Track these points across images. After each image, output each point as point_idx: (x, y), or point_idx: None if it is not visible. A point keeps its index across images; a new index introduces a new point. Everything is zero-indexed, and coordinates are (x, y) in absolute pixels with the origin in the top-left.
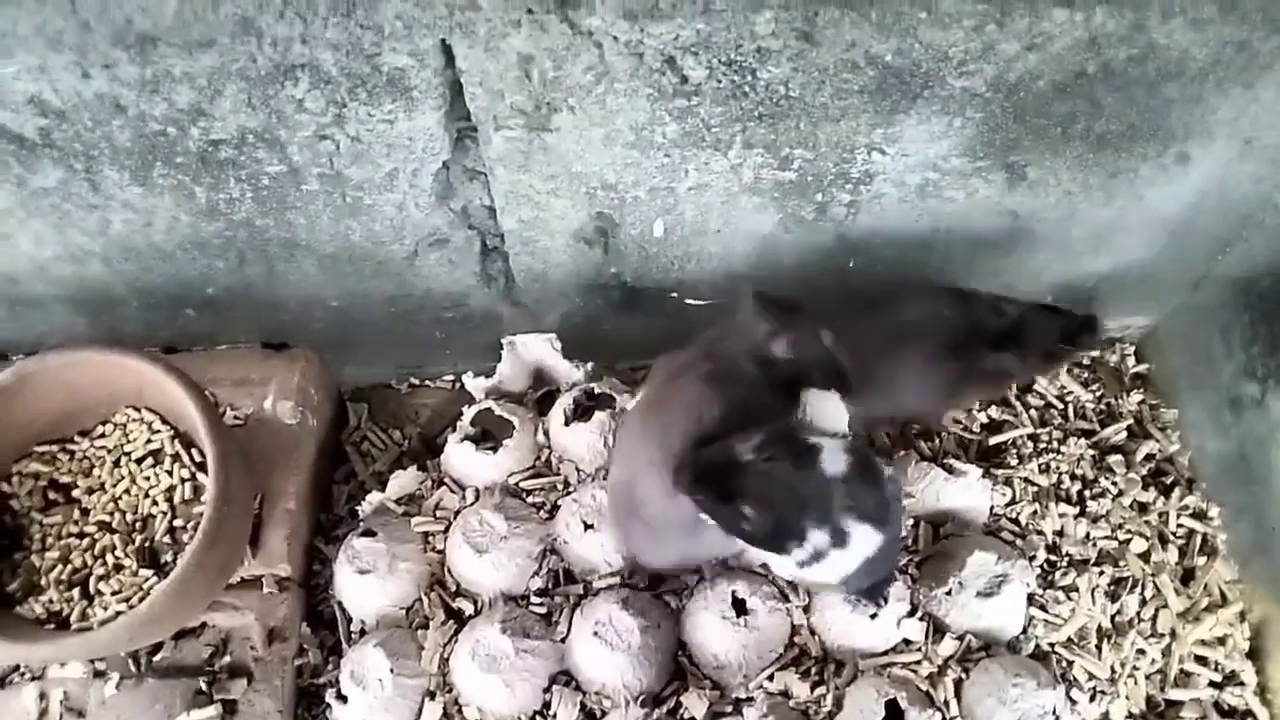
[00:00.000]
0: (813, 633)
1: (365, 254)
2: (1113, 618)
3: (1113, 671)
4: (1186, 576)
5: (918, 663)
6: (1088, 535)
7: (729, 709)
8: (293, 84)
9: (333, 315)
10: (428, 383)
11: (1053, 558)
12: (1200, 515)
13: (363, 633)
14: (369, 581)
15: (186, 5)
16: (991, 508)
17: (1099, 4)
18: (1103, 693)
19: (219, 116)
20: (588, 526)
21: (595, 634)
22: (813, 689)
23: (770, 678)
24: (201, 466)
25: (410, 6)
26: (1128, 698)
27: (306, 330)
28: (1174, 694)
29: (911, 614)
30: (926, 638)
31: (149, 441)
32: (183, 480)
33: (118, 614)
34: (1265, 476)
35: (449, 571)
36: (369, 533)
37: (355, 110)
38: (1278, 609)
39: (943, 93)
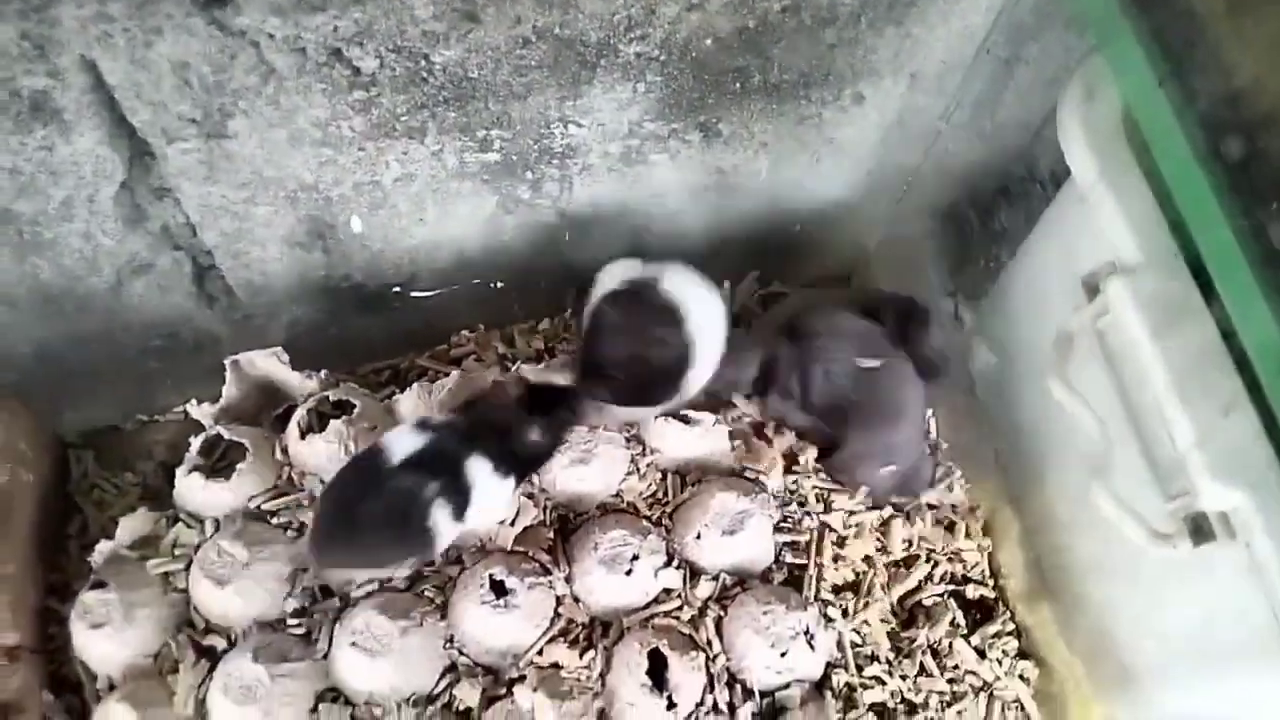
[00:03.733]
0: (577, 600)
1: (62, 291)
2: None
3: (858, 576)
4: None
5: (679, 609)
6: None
7: (503, 691)
8: None
9: (37, 361)
10: (158, 418)
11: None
12: None
13: (111, 689)
14: (105, 635)
15: None
16: (732, 447)
17: None
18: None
19: None
20: None
21: (354, 644)
22: (581, 655)
23: (540, 652)
24: None
25: (35, 25)
26: (877, 599)
27: (7, 381)
28: (915, 594)
29: (668, 564)
30: (685, 584)
31: None
32: None
33: None
34: (969, 385)
35: (195, 610)
36: (99, 584)
37: (4, 140)
38: (1003, 504)
39: (619, 60)
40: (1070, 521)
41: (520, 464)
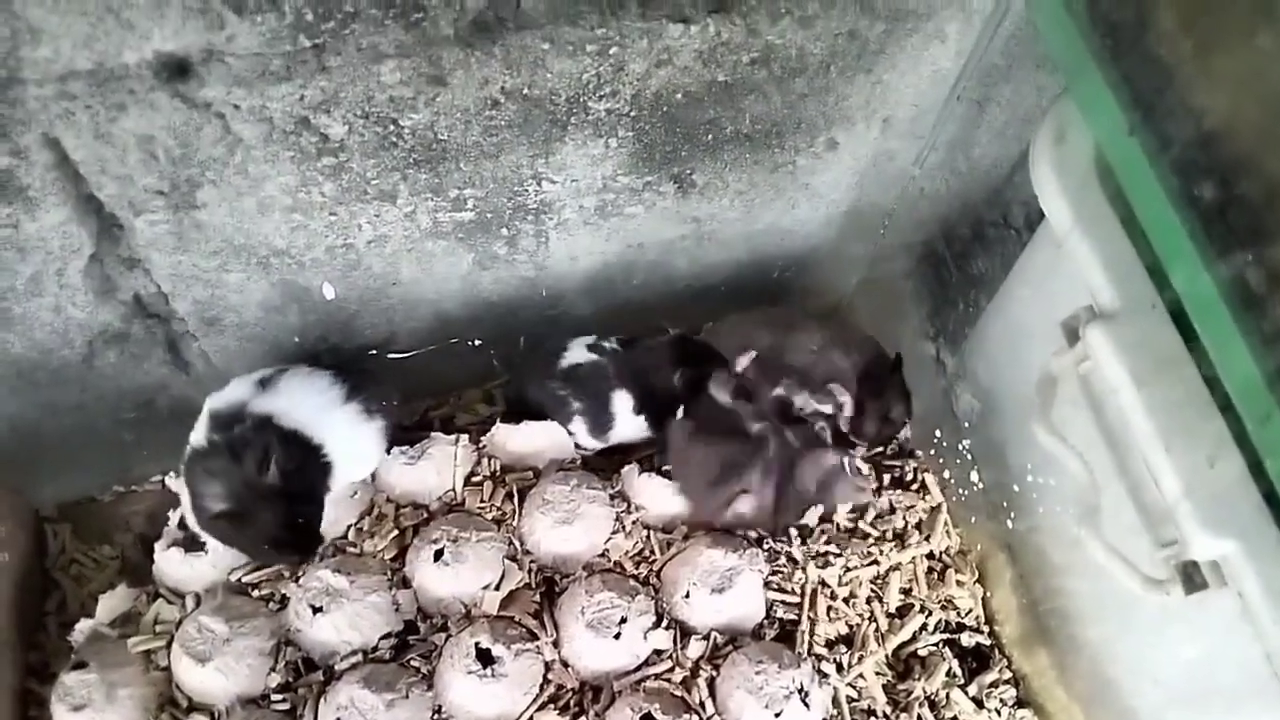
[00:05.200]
0: (566, 665)
1: (34, 364)
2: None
3: (851, 629)
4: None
5: (670, 670)
6: None
7: None
8: None
9: (11, 434)
10: (135, 488)
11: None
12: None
13: None
14: (86, 718)
15: None
16: None
17: (711, 14)
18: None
19: None
20: (316, 610)
21: None
22: None
23: None
24: None
25: None
26: (872, 652)
27: None
28: (909, 644)
29: (657, 624)
30: (675, 644)
31: None
32: None
33: None
34: (956, 424)
35: (178, 688)
36: (80, 665)
37: None
38: (995, 549)
39: (590, 117)
40: (1065, 565)
41: (654, 404)
